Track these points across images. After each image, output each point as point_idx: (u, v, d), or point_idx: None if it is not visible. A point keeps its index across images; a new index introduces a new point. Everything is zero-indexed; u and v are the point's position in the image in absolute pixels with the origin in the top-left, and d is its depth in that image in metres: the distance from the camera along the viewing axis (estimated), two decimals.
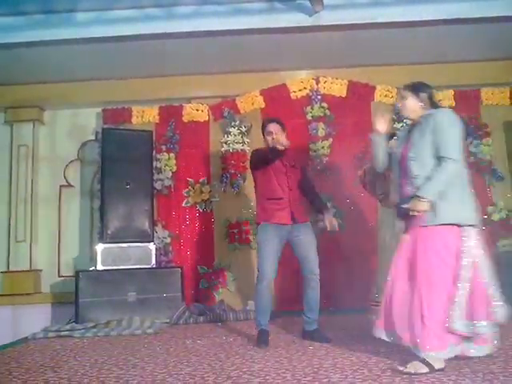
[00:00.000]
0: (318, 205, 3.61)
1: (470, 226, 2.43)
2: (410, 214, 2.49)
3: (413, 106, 2.71)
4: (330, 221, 3.47)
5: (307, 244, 3.37)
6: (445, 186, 2.46)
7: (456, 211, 2.42)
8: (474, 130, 5.35)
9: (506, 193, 5.29)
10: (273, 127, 3.48)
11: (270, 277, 3.30)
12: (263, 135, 3.60)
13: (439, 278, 2.33)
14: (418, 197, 2.45)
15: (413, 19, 4.56)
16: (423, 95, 2.68)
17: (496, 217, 5.16)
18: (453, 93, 5.52)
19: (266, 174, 3.44)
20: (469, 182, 2.60)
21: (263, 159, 3.41)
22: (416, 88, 2.71)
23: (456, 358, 2.45)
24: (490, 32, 4.85)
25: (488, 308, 2.37)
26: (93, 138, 5.73)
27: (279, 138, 3.29)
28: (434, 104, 2.71)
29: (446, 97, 5.51)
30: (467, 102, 5.50)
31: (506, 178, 5.30)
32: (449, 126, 2.57)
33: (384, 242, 3.67)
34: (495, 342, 2.38)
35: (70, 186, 5.68)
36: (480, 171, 5.28)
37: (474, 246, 2.42)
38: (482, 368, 2.24)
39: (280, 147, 3.24)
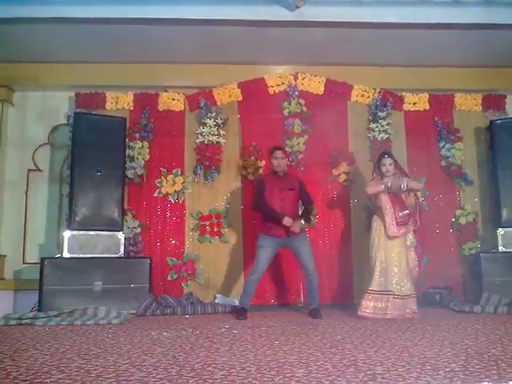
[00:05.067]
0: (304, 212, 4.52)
1: None
2: None
3: None
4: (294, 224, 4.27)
5: (302, 250, 4.29)
6: None
7: None
8: (447, 134, 5.46)
9: (473, 197, 5.42)
10: (278, 154, 4.40)
11: (261, 273, 4.28)
12: (270, 159, 4.47)
13: None
14: None
15: (393, 21, 4.62)
16: None
17: (463, 220, 5.28)
18: (428, 96, 5.60)
19: (269, 200, 4.31)
20: None
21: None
22: None
23: (418, 355, 2.49)
24: (467, 39, 4.95)
25: None
26: (64, 122, 5.58)
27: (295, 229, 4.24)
28: None
29: (421, 100, 5.61)
30: (441, 107, 5.61)
31: (474, 183, 5.43)
32: None
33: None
34: None
35: (38, 170, 5.52)
36: (450, 175, 5.40)
37: None
38: (443, 366, 2.28)
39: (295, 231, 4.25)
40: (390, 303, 4.02)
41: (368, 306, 4.06)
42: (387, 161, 4.29)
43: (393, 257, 4.11)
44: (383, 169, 4.29)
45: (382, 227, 4.19)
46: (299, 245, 4.29)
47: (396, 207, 4.18)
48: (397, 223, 4.14)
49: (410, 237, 4.27)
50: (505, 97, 5.63)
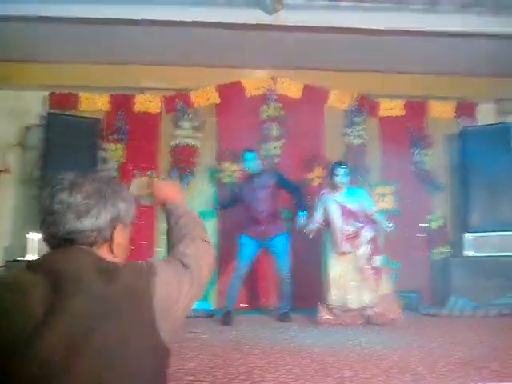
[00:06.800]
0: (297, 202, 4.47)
1: None
2: None
3: None
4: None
5: (279, 252, 4.27)
6: None
7: None
8: (418, 140, 5.54)
9: (444, 202, 5.51)
10: (248, 156, 4.35)
11: (242, 271, 4.24)
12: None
13: None
14: None
15: (369, 27, 4.65)
16: None
17: (434, 225, 5.36)
18: (403, 103, 5.68)
19: (245, 202, 4.36)
20: None
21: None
22: None
23: (386, 358, 2.51)
24: (442, 47, 5.02)
25: None
26: (37, 122, 5.45)
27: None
28: None
29: (396, 106, 5.68)
30: (415, 113, 5.69)
31: (445, 188, 5.52)
32: None
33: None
34: None
35: (8, 171, 5.36)
36: (421, 180, 5.48)
37: None
38: (410, 369, 2.30)
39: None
40: (350, 316, 3.94)
41: (325, 312, 4.01)
42: (341, 171, 4.06)
43: (348, 272, 3.95)
44: (337, 179, 4.08)
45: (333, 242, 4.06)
46: (279, 245, 4.27)
47: (345, 221, 4.01)
48: (345, 239, 3.99)
49: (367, 249, 4.00)
50: (476, 105, 5.74)
